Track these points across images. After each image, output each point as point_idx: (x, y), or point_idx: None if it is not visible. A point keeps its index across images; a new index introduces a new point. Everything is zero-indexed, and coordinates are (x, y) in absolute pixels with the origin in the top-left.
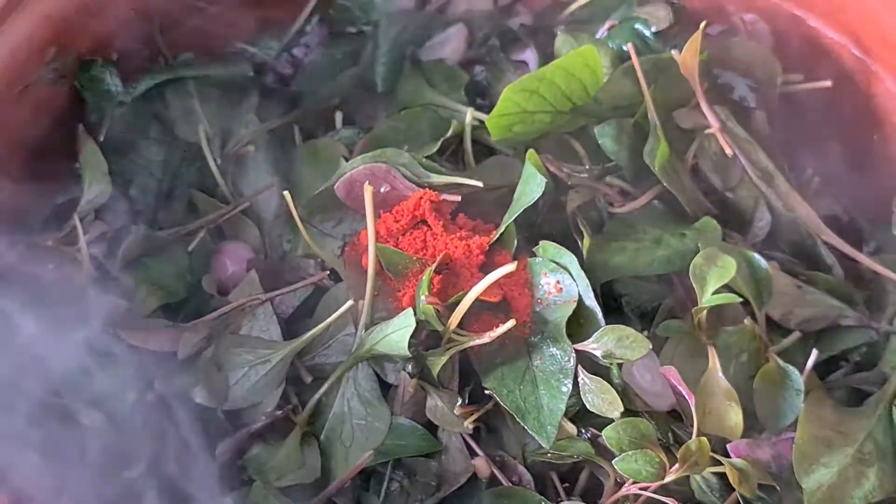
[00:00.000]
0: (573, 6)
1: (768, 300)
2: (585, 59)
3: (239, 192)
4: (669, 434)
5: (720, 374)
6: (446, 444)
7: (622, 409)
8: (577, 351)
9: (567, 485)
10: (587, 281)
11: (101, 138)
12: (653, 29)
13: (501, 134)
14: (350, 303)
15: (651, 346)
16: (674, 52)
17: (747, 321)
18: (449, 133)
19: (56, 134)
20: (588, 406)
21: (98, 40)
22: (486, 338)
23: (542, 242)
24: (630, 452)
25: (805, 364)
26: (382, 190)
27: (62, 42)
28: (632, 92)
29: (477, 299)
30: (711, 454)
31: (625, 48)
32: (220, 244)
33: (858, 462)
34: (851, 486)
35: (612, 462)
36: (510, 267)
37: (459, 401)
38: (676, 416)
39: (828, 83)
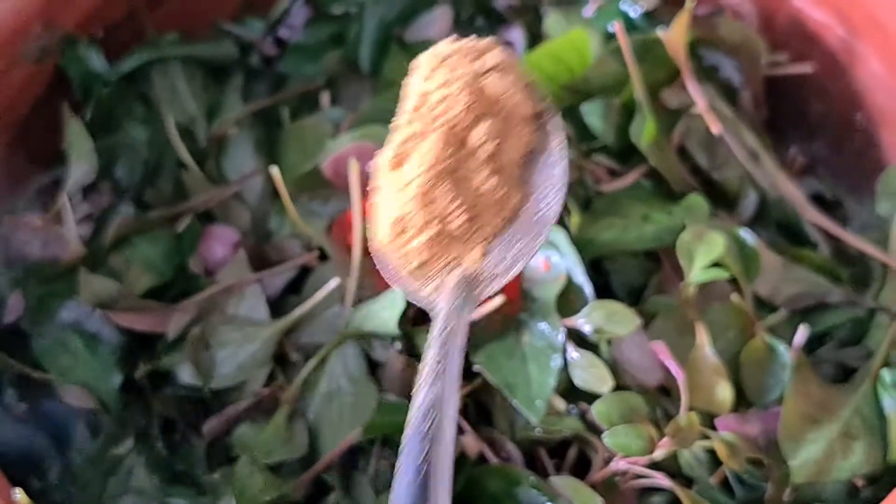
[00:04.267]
0: None
1: (755, 277)
2: (575, 43)
3: (223, 174)
4: (658, 410)
5: (708, 349)
6: None
7: (612, 384)
8: (566, 327)
9: (556, 461)
10: (576, 257)
11: (87, 118)
12: (640, 9)
13: None
14: (337, 281)
15: (640, 322)
16: (661, 32)
17: (735, 297)
18: None
19: (41, 113)
20: (576, 382)
21: (84, 17)
22: (476, 314)
23: None
24: (619, 427)
25: (791, 340)
26: (369, 168)
27: (48, 19)
28: (619, 71)
29: None
30: (700, 429)
31: (611, 28)
32: (207, 227)
33: (844, 436)
34: (838, 460)
35: (601, 437)
36: None
37: None
38: (665, 391)
39: (809, 68)
